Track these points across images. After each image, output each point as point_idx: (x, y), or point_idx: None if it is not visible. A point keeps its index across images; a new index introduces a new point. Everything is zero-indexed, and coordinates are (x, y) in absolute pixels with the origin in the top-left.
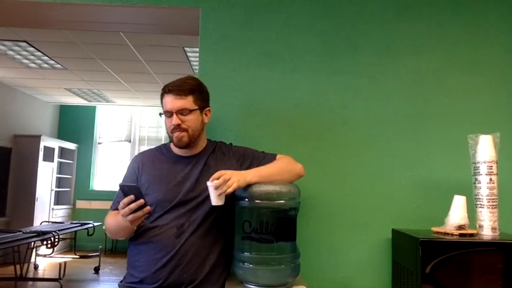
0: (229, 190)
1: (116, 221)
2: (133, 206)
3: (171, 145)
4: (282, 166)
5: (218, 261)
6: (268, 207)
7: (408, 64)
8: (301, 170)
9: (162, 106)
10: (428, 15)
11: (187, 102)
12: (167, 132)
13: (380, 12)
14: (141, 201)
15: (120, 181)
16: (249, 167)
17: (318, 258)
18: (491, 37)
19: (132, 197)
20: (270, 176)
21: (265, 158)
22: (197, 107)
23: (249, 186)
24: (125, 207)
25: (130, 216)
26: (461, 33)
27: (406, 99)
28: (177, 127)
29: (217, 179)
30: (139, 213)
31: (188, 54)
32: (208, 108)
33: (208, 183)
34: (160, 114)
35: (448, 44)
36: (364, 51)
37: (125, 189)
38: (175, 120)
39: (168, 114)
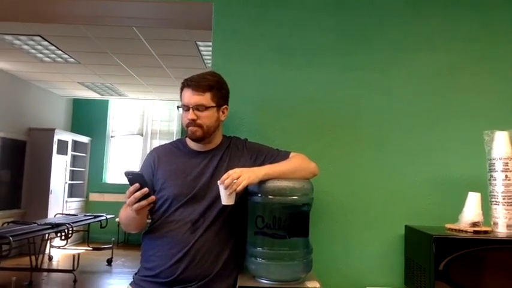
0: (239, 188)
1: (125, 213)
2: (138, 194)
3: (187, 140)
4: (296, 164)
5: (231, 257)
6: (281, 203)
7: (422, 59)
8: (315, 169)
9: (181, 99)
10: (442, 9)
11: (205, 98)
12: (183, 126)
13: (393, 7)
14: (146, 189)
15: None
16: (262, 164)
17: (330, 254)
18: (506, 32)
19: (137, 185)
20: (283, 174)
21: (279, 156)
22: (214, 104)
23: (262, 182)
24: (130, 196)
25: (136, 206)
26: (476, 28)
27: (420, 94)
28: (192, 122)
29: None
30: (144, 202)
31: (200, 48)
32: (226, 106)
33: (219, 183)
34: (178, 107)
35: (462, 39)
36: (377, 46)
37: (129, 177)
38: (191, 115)
39: (185, 108)
